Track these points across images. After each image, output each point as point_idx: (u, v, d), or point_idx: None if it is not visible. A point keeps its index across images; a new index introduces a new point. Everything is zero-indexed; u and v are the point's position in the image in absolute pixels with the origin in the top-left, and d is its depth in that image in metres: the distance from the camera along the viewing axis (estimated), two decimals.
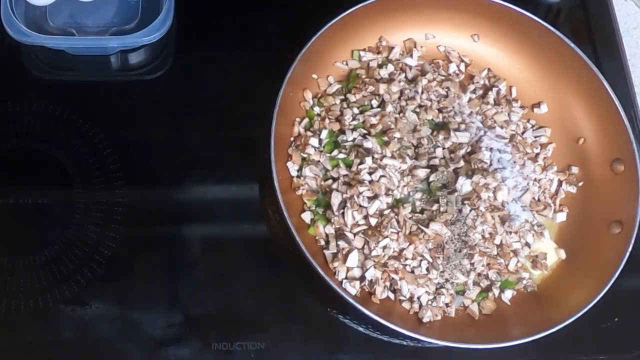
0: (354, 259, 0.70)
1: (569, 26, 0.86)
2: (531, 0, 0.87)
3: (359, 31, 0.79)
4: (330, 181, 0.73)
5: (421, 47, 0.82)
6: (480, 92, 0.80)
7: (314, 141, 0.75)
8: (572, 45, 0.77)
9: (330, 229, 0.71)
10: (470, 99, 0.79)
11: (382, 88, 0.77)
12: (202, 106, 0.80)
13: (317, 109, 0.77)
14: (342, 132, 0.75)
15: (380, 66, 0.79)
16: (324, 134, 0.75)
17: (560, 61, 0.79)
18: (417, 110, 0.76)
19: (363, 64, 0.80)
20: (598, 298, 0.68)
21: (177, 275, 0.72)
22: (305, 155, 0.74)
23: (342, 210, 0.71)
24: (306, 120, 0.77)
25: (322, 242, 0.72)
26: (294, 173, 0.74)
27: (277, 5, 0.85)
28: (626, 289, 0.73)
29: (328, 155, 0.74)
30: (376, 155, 0.73)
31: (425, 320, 0.69)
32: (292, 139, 0.76)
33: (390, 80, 0.78)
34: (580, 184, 0.77)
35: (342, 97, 0.78)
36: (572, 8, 0.88)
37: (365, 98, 0.77)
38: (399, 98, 0.77)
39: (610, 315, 0.73)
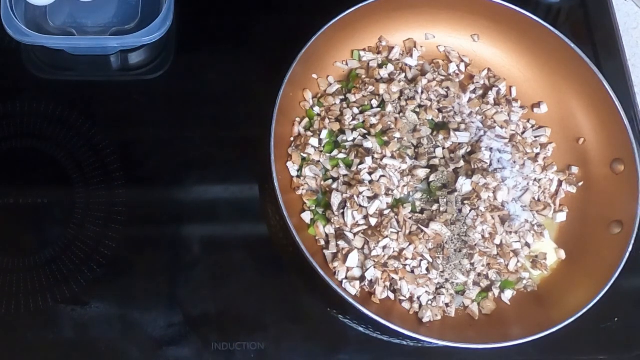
0: (354, 259, 0.70)
1: (569, 26, 0.86)
2: (531, 0, 0.87)
3: (359, 31, 0.79)
4: (330, 181, 0.73)
5: (421, 47, 0.82)
6: (480, 92, 0.80)
7: (314, 141, 0.75)
8: (572, 45, 0.77)
9: (330, 229, 0.71)
10: (470, 99, 0.79)
11: (382, 88, 0.77)
12: (202, 106, 0.80)
13: (317, 109, 0.77)
14: (342, 132, 0.75)
15: (380, 66, 0.79)
16: (324, 134, 0.75)
17: (560, 61, 0.78)
18: (417, 110, 0.76)
19: (363, 64, 0.80)
20: (598, 298, 0.68)
21: (177, 275, 0.72)
22: (305, 155, 0.74)
23: (342, 210, 0.71)
24: (306, 120, 0.77)
25: (322, 242, 0.72)
26: (294, 173, 0.74)
27: (277, 5, 0.85)
28: (626, 289, 0.73)
29: (328, 155, 0.74)
30: (376, 155, 0.73)
31: (425, 320, 0.69)
32: (292, 139, 0.76)
33: (390, 80, 0.78)
34: (580, 184, 0.77)
35: (342, 97, 0.78)
36: (572, 8, 0.88)
37: (365, 98, 0.77)
38: (399, 98, 0.77)
39: (610, 315, 0.73)
